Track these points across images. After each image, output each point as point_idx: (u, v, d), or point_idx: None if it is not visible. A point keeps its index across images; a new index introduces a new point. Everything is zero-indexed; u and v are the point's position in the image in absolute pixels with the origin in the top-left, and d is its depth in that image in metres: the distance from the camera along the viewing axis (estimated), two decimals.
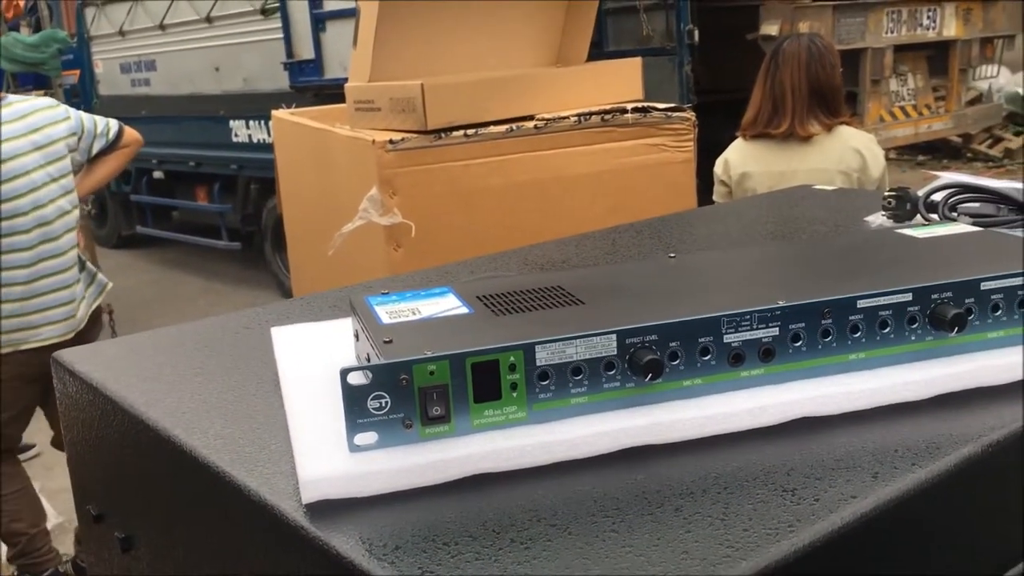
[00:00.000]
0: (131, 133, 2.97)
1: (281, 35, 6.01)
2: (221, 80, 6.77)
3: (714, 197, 2.87)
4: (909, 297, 0.70)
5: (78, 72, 8.18)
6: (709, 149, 3.23)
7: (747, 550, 0.52)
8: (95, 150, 2.85)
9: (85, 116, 2.85)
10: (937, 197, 1.11)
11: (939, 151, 9.12)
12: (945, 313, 0.69)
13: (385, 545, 0.55)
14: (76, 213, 2.74)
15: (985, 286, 0.71)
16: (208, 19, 6.67)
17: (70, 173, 2.72)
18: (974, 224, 1.03)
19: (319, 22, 5.72)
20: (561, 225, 1.93)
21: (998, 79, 8.23)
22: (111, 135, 2.88)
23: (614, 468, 0.63)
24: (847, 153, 2.67)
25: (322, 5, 5.70)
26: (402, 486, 0.61)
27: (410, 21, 2.38)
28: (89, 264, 2.87)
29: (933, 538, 0.61)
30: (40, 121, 2.67)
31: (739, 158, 2.79)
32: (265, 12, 6.17)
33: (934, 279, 0.71)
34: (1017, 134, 9.33)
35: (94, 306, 2.82)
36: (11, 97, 2.76)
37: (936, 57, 6.63)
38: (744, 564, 0.51)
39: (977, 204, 1.12)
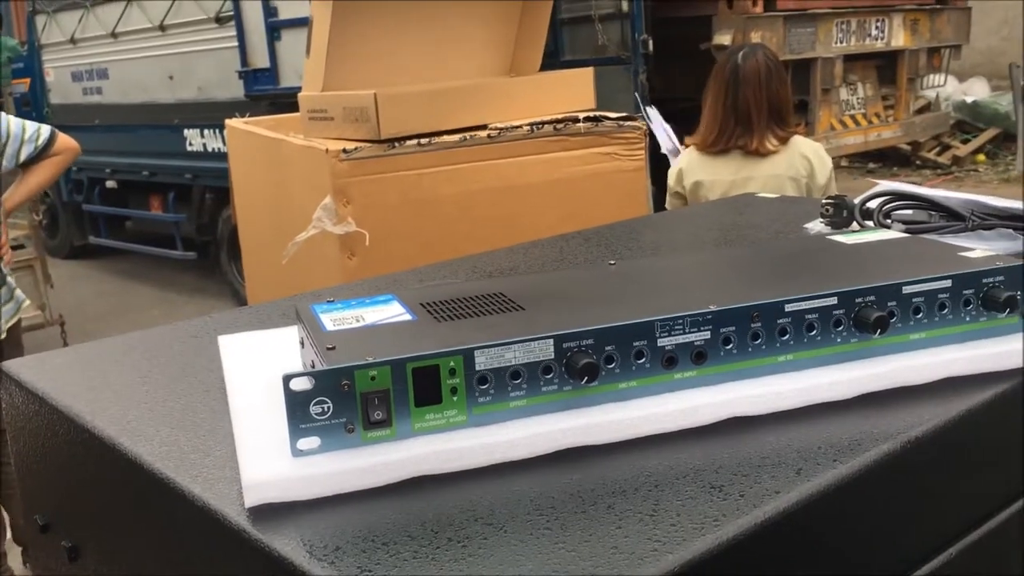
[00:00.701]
0: (65, 140, 2.87)
1: (236, 43, 5.98)
2: (175, 89, 6.71)
3: (667, 207, 2.92)
4: (834, 301, 0.73)
5: (28, 81, 8.06)
6: (665, 156, 3.28)
7: (673, 544, 0.54)
8: (23, 156, 2.76)
9: (14, 121, 2.76)
10: (872, 204, 1.14)
11: (889, 159, 9.29)
12: (868, 316, 0.72)
13: (326, 546, 0.56)
14: None
15: (906, 290, 0.74)
16: (161, 27, 6.61)
17: None
18: (906, 230, 1.07)
19: (274, 31, 5.71)
20: (515, 233, 1.95)
21: (946, 88, 8.41)
22: (40, 142, 2.78)
23: (551, 468, 0.65)
24: (796, 159, 2.73)
25: (277, 14, 5.68)
26: (344, 489, 0.62)
27: (363, 31, 2.40)
28: (10, 279, 2.76)
29: (855, 531, 0.64)
30: None
31: (691, 168, 2.83)
32: (219, 20, 6.13)
33: (858, 284, 0.74)
34: (965, 142, 9.54)
35: (10, 323, 2.69)
36: None
37: (885, 67, 6.78)
38: (670, 557, 0.53)
39: (910, 211, 1.16)
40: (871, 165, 9.25)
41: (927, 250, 0.86)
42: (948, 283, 0.75)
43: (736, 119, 2.72)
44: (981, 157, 9.46)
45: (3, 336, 2.64)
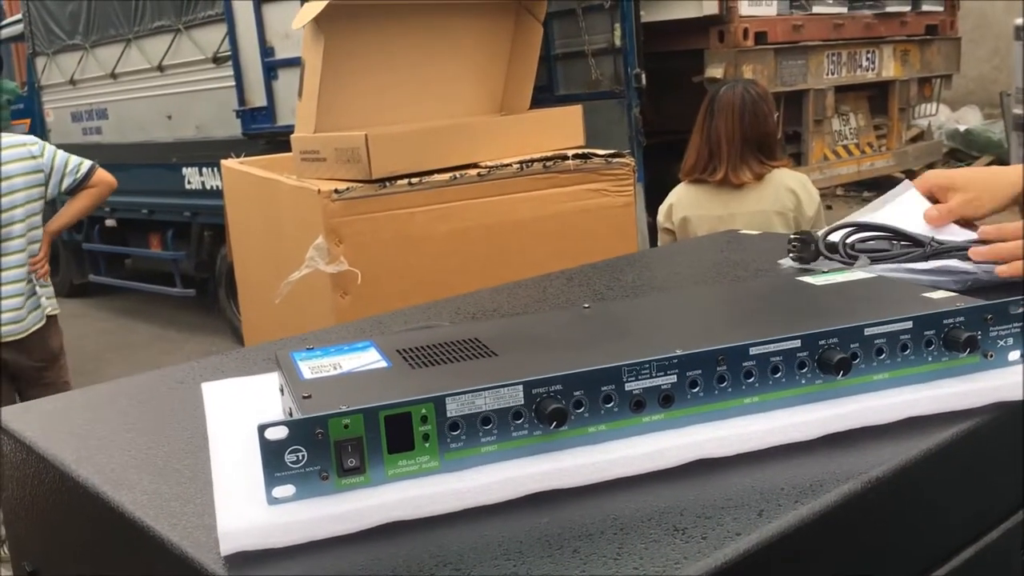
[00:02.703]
0: (102, 174, 3.27)
1: (233, 83, 6.04)
2: (173, 128, 6.78)
3: (659, 243, 2.95)
4: (798, 343, 0.75)
5: (28, 122, 8.14)
6: (660, 187, 3.32)
7: None
8: (64, 187, 3.17)
9: (59, 155, 3.16)
10: (835, 238, 1.17)
11: (884, 188, 9.29)
12: (832, 358, 0.74)
13: None
14: (20, 241, 3.04)
15: (869, 332, 0.76)
16: (160, 68, 6.69)
17: (22, 205, 3.04)
18: (871, 258, 1.09)
19: (271, 70, 5.77)
20: (506, 269, 1.98)
21: (938, 116, 8.49)
22: (80, 174, 3.18)
23: (521, 512, 0.66)
24: (782, 193, 2.76)
25: (274, 53, 5.74)
26: (318, 535, 0.64)
27: (354, 73, 2.44)
28: (39, 290, 3.16)
29: (814, 571, 0.65)
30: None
31: (680, 203, 2.87)
32: (217, 60, 6.21)
33: (823, 326, 0.76)
34: None
35: (34, 328, 3.13)
36: None
37: (877, 97, 6.85)
38: None
39: (872, 242, 1.19)
40: (866, 194, 9.29)
41: (891, 291, 0.88)
42: (910, 324, 0.77)
43: (710, 149, 2.77)
44: None
45: (26, 335, 3.09)
